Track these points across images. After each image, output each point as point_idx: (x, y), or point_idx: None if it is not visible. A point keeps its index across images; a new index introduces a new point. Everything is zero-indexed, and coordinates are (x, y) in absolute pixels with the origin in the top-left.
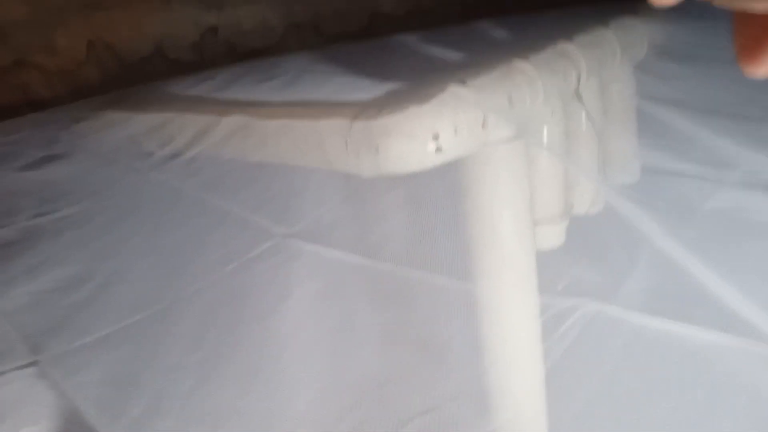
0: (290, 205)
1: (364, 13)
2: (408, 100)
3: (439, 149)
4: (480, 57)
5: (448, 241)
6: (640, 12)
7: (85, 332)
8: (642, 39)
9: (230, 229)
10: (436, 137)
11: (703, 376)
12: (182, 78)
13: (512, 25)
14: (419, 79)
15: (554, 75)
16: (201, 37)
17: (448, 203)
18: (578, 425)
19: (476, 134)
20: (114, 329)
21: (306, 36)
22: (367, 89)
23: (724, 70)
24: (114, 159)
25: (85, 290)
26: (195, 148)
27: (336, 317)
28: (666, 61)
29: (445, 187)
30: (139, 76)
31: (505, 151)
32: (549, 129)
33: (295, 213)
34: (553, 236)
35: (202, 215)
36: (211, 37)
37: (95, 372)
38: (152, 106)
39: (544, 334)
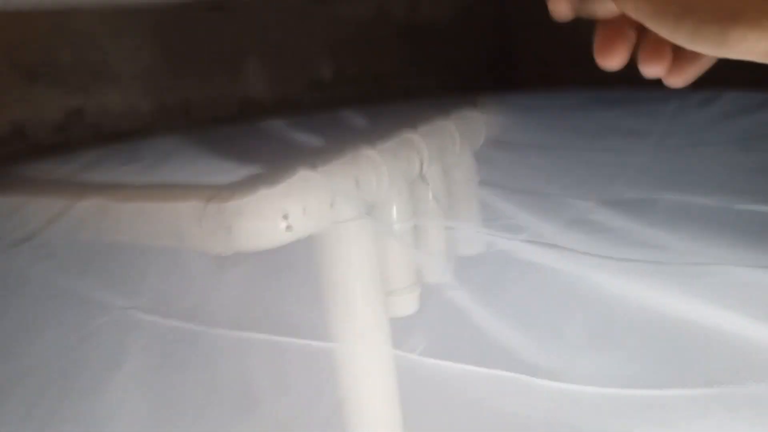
0: (138, 281)
1: (234, 98)
2: (260, 183)
3: (289, 228)
4: (335, 143)
5: (295, 306)
6: (479, 105)
7: None
8: (480, 129)
9: (73, 308)
10: (285, 216)
11: (457, 402)
12: (43, 160)
13: (371, 113)
14: (276, 164)
15: (398, 161)
16: (66, 119)
17: (302, 273)
18: None
19: (324, 213)
20: None
21: (175, 120)
22: (228, 172)
23: (539, 156)
24: None
25: None
26: (47, 232)
27: (164, 383)
28: (495, 149)
29: (295, 261)
30: None
31: (353, 229)
32: (397, 208)
33: (141, 287)
34: (406, 304)
35: (47, 298)
36: (76, 119)
37: None
38: (5, 190)
39: None
